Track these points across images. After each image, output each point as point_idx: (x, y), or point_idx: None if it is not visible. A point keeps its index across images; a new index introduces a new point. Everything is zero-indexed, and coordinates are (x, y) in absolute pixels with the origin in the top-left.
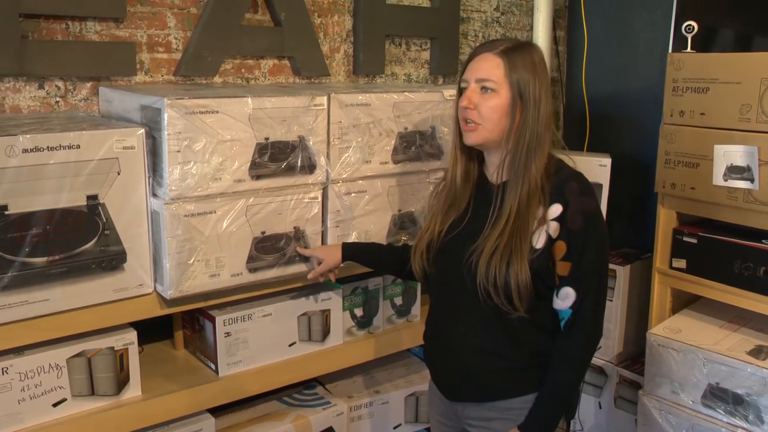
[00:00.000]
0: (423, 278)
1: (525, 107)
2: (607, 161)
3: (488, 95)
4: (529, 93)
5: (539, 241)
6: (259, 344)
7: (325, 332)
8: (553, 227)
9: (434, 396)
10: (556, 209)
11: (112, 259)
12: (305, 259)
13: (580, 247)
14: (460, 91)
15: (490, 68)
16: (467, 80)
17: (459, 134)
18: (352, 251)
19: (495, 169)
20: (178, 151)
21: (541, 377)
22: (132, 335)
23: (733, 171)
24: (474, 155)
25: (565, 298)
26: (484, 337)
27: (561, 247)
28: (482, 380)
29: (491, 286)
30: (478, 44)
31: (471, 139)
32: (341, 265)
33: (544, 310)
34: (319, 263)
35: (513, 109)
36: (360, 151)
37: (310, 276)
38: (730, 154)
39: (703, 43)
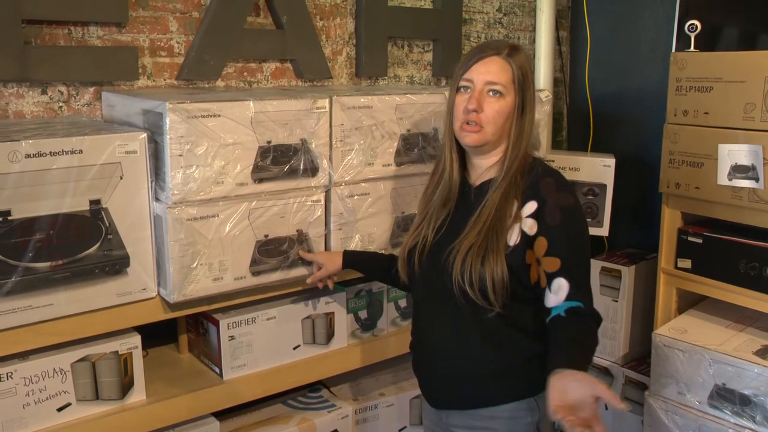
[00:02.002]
0: (408, 282)
1: (524, 112)
2: (611, 161)
3: (495, 98)
4: (528, 98)
5: (513, 238)
6: (264, 347)
7: (330, 335)
8: (529, 224)
9: (425, 403)
10: (530, 206)
11: (116, 264)
12: (307, 263)
13: (565, 240)
14: (458, 90)
15: (499, 71)
16: (472, 81)
17: (452, 132)
18: (352, 259)
19: (480, 171)
20: (181, 155)
21: (525, 384)
22: (136, 339)
23: (737, 170)
24: (462, 155)
25: (558, 291)
26: (464, 342)
27: (542, 244)
28: (464, 387)
29: (467, 283)
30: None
31: (472, 140)
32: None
33: (523, 312)
34: (320, 268)
35: (515, 114)
36: (362, 154)
37: (308, 280)
38: (734, 153)
39: (706, 42)
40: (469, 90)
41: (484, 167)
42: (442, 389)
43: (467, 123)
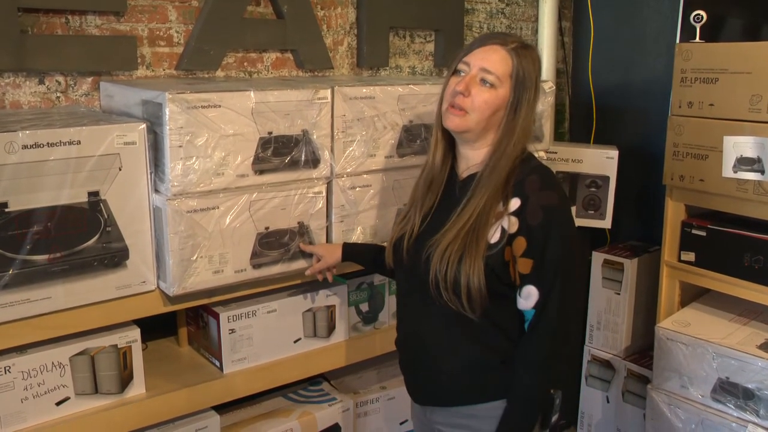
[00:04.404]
0: (396, 272)
1: (519, 109)
2: (614, 153)
3: (486, 88)
4: (526, 98)
5: (495, 236)
6: (264, 341)
7: (331, 328)
8: (511, 222)
9: (411, 400)
10: (514, 203)
11: (115, 256)
12: (308, 255)
13: (542, 243)
14: (454, 72)
15: (497, 61)
16: (469, 65)
17: (441, 116)
18: (351, 252)
19: (467, 163)
20: (180, 146)
21: (508, 383)
22: (135, 333)
23: (742, 162)
24: (453, 144)
25: (527, 297)
26: (445, 340)
27: (520, 243)
28: (445, 384)
29: (442, 280)
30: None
31: (453, 123)
32: (340, 263)
33: (506, 312)
34: (319, 260)
35: (506, 108)
36: (364, 145)
37: (307, 272)
38: (739, 145)
39: (710, 33)
40: (463, 74)
41: (471, 159)
42: (424, 386)
43: (452, 106)
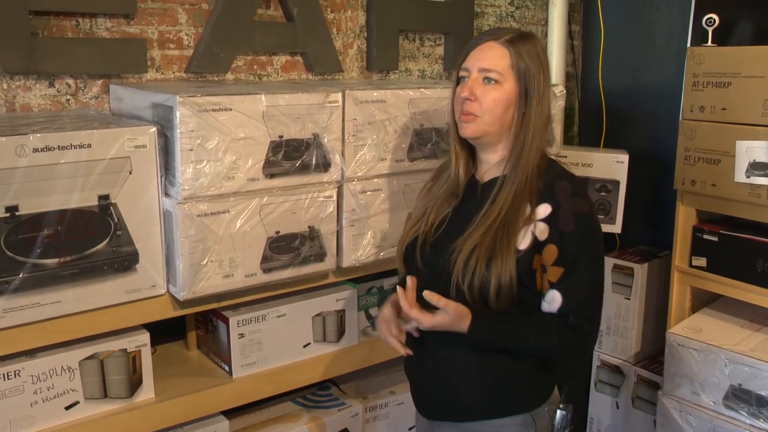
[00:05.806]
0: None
1: (529, 102)
2: (625, 158)
3: (491, 86)
4: (534, 87)
5: (523, 242)
6: (274, 345)
7: (340, 333)
8: (541, 228)
9: (417, 412)
10: (544, 209)
11: (125, 260)
12: (320, 259)
13: (575, 251)
14: (458, 80)
15: (495, 58)
16: (468, 69)
17: (455, 126)
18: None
19: (487, 167)
20: (191, 150)
21: (522, 397)
22: (145, 337)
23: (755, 167)
24: (472, 151)
25: (551, 302)
26: (458, 350)
27: (551, 252)
28: (456, 397)
29: (466, 285)
30: None
31: (468, 130)
32: None
33: None
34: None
35: (516, 103)
36: (375, 149)
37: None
38: (753, 150)
39: (721, 36)
40: (465, 80)
41: (492, 163)
42: (433, 398)
43: (463, 113)
